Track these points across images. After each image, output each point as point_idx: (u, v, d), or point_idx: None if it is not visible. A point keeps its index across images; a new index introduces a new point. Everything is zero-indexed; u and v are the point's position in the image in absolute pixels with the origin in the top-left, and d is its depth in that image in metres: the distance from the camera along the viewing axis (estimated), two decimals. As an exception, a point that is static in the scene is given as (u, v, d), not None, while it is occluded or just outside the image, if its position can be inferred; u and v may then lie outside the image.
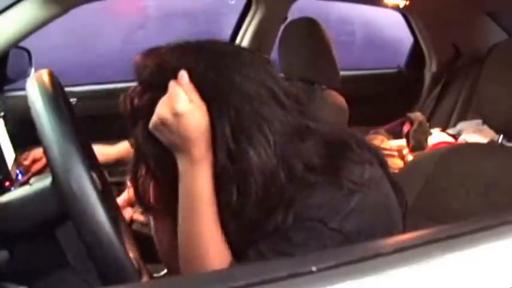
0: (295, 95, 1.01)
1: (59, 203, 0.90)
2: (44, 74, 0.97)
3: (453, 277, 0.61)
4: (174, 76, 0.97)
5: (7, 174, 1.69)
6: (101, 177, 1.12)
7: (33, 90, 0.92)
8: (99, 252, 0.86)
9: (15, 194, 1.05)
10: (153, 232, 1.13)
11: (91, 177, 0.87)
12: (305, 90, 2.60)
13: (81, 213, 0.85)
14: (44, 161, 1.88)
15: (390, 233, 0.99)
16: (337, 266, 0.58)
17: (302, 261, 0.66)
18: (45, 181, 0.99)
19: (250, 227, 0.95)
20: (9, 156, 1.85)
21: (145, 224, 1.59)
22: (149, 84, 0.99)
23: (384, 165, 1.03)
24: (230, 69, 0.97)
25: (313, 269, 0.57)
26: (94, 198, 0.86)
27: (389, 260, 0.60)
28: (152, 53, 1.02)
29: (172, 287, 0.62)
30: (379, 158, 1.03)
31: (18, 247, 1.03)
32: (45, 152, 0.90)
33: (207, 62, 0.98)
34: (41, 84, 0.92)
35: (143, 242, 1.18)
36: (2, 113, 1.95)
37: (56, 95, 0.92)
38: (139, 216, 1.65)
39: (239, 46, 1.10)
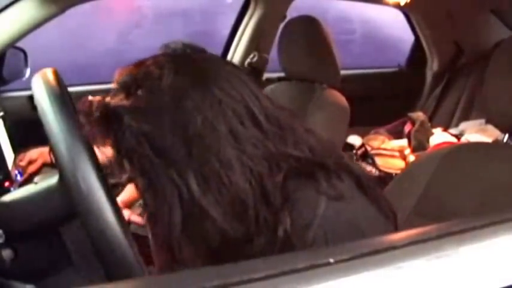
0: (277, 118, 0.97)
1: (65, 202, 0.90)
2: (49, 73, 0.97)
3: (467, 270, 0.61)
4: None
5: (7, 175, 1.68)
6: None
7: (40, 88, 0.93)
8: (107, 251, 0.86)
9: (20, 192, 1.05)
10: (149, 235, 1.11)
11: (99, 176, 0.87)
12: (305, 90, 2.59)
13: (89, 212, 0.85)
14: (39, 162, 1.87)
15: None
16: (353, 258, 0.59)
17: (320, 254, 0.68)
18: (51, 180, 0.99)
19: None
20: (9, 156, 1.84)
21: (143, 226, 1.59)
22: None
23: (362, 186, 0.99)
24: (211, 84, 0.93)
25: (331, 260, 0.58)
26: (102, 197, 0.86)
27: (404, 253, 0.61)
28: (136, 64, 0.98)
29: (188, 279, 0.61)
30: (358, 180, 0.99)
31: (24, 246, 1.03)
32: (53, 150, 0.90)
33: (188, 74, 0.94)
34: (47, 83, 0.93)
35: (140, 243, 1.17)
36: (1, 113, 1.94)
37: (62, 93, 0.92)
38: (136, 218, 1.65)
39: (222, 59, 1.06)
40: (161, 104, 0.92)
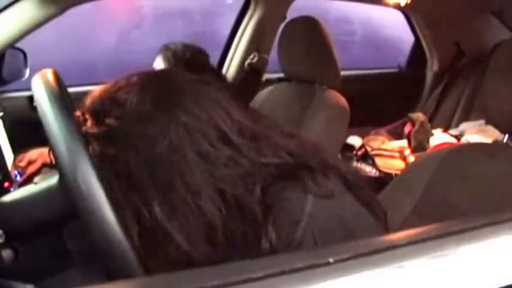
0: (252, 131, 0.96)
1: (66, 202, 0.90)
2: (49, 73, 0.96)
3: (466, 269, 0.61)
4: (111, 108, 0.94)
5: (7, 175, 1.69)
6: None
7: (39, 88, 0.92)
8: (107, 251, 0.86)
9: (20, 192, 1.04)
10: None
11: (99, 176, 0.86)
12: (305, 91, 2.59)
13: (89, 212, 0.85)
14: (39, 162, 1.87)
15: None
16: (353, 257, 0.59)
17: (319, 253, 0.68)
18: (51, 180, 0.98)
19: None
20: (8, 157, 1.84)
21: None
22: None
23: (350, 186, 0.97)
24: (175, 107, 0.92)
25: (331, 260, 0.58)
26: (102, 197, 0.85)
27: (404, 252, 0.61)
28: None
29: (188, 279, 0.61)
30: (345, 179, 0.97)
31: (24, 246, 1.03)
32: (52, 151, 0.89)
33: (153, 99, 0.93)
34: (47, 83, 0.92)
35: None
36: (1, 114, 1.94)
37: (62, 93, 0.92)
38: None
39: (193, 78, 1.04)
40: (127, 130, 0.91)
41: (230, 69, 3.12)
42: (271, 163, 0.93)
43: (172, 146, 0.89)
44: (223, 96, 0.98)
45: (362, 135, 3.06)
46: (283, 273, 0.56)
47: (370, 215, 0.96)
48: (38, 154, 1.89)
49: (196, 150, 0.90)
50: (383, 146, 2.95)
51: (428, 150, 2.79)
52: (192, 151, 0.90)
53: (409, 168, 1.81)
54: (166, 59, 2.28)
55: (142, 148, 0.90)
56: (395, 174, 2.55)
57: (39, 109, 0.90)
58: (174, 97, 0.94)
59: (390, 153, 2.89)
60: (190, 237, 0.89)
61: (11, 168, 1.81)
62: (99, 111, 0.94)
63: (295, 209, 0.90)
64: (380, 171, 2.83)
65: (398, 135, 3.09)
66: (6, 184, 1.65)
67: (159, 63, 2.30)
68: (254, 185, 0.91)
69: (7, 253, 1.00)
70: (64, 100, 0.91)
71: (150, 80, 0.98)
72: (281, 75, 2.82)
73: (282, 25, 2.77)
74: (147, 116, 0.91)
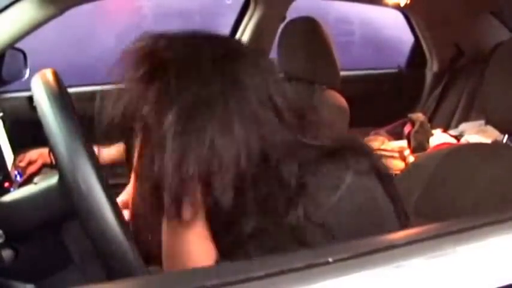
0: (299, 110, 0.97)
1: (65, 202, 0.90)
2: (48, 73, 0.97)
3: (465, 269, 0.62)
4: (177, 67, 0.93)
5: (7, 175, 1.69)
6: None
7: (39, 89, 0.93)
8: (107, 251, 0.86)
9: (20, 193, 1.05)
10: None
11: (99, 176, 0.87)
12: (304, 91, 2.59)
13: (89, 212, 0.85)
14: (39, 163, 1.88)
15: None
16: (352, 257, 0.60)
17: (319, 253, 0.68)
18: (50, 180, 0.99)
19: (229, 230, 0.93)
20: (8, 157, 1.84)
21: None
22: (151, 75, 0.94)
23: (381, 177, 0.99)
24: (237, 70, 0.93)
25: (330, 260, 0.58)
26: (102, 197, 0.86)
27: (403, 252, 0.62)
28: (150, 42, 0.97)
29: (189, 278, 0.61)
30: (377, 169, 0.99)
31: (24, 246, 1.03)
32: (52, 151, 0.90)
33: (213, 58, 0.94)
34: (46, 83, 0.93)
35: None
36: (1, 114, 1.94)
37: (62, 94, 0.93)
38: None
39: (249, 48, 1.06)
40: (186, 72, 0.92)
41: (230, 69, 3.11)
42: (313, 145, 0.94)
43: (224, 99, 0.89)
44: (276, 70, 1.00)
45: (362, 136, 3.06)
46: (282, 272, 0.56)
47: (392, 211, 0.97)
48: (38, 154, 1.89)
49: (248, 108, 0.90)
50: (383, 146, 2.95)
51: (428, 150, 2.79)
52: (242, 108, 0.90)
53: (409, 168, 1.81)
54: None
55: (187, 86, 0.90)
56: (395, 175, 2.55)
57: (39, 109, 0.91)
58: (235, 58, 0.95)
59: (390, 154, 2.88)
60: (184, 169, 0.87)
61: (11, 168, 1.82)
62: (155, 68, 0.94)
63: (336, 175, 0.91)
64: (380, 171, 2.82)
65: (398, 136, 3.08)
66: (6, 184, 1.66)
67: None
68: (293, 159, 0.92)
69: (7, 253, 1.00)
70: (64, 100, 0.91)
71: (211, 37, 0.99)
72: (281, 75, 2.81)
73: (282, 25, 2.77)
74: (204, 69, 0.92)
